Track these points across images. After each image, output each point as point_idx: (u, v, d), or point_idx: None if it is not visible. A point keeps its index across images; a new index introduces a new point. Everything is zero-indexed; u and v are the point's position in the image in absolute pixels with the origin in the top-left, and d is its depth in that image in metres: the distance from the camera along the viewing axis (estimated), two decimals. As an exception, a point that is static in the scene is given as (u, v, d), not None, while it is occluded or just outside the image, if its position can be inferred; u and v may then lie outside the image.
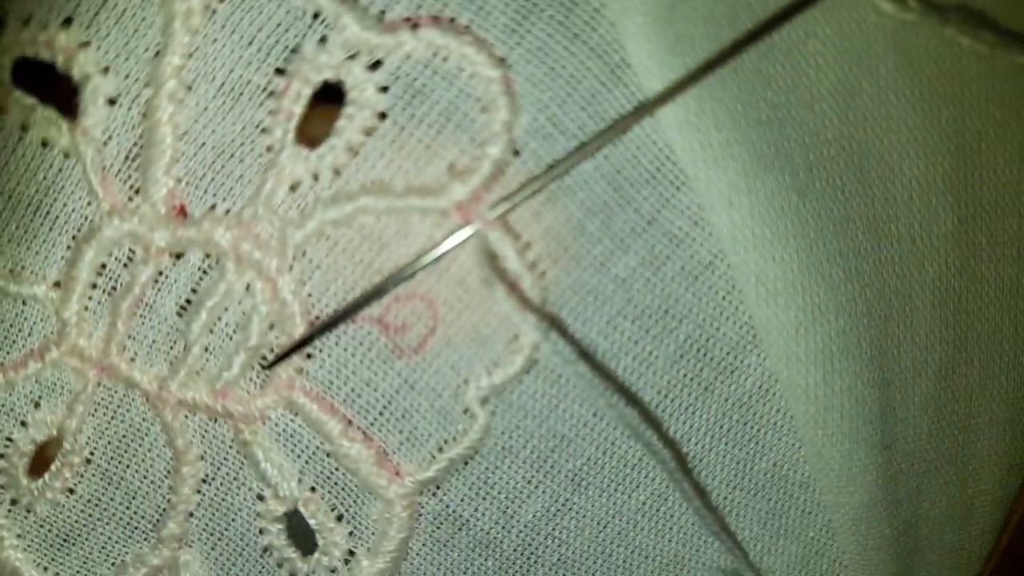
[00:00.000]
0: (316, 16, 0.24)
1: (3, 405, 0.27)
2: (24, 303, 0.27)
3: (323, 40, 0.24)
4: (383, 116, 0.25)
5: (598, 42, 0.24)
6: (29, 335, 0.27)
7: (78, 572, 0.28)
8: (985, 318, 0.30)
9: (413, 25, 0.24)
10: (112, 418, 0.27)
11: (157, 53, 0.25)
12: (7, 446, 0.28)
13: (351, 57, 0.24)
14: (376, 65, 0.24)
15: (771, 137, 0.25)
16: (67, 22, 0.25)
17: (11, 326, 0.27)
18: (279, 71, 0.25)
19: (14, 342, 0.27)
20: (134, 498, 0.28)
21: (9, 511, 0.28)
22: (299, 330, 0.26)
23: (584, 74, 0.25)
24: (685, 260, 0.26)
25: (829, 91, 0.26)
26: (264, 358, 0.27)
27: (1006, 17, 0.26)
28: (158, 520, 0.28)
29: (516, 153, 0.25)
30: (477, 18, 0.24)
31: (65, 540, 0.28)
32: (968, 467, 0.31)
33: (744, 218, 0.25)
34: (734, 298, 0.27)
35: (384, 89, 0.25)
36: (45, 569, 0.29)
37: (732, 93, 0.25)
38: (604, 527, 0.29)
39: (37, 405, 0.28)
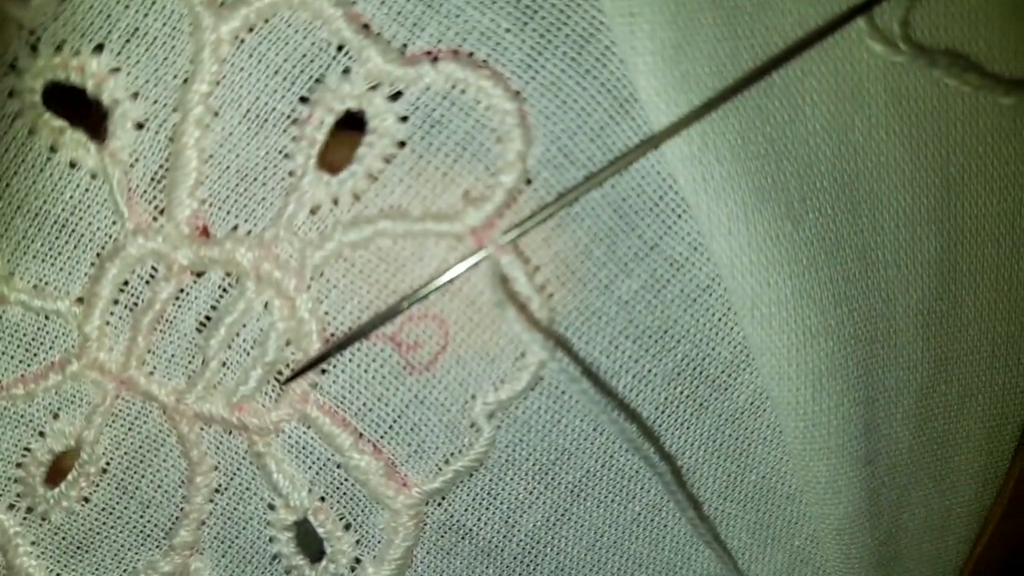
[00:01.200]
0: (340, 48, 0.27)
1: (23, 416, 0.30)
2: (47, 317, 0.29)
3: (347, 71, 0.27)
4: (402, 144, 0.28)
5: (608, 78, 0.28)
6: (50, 348, 0.29)
7: (89, 578, 0.31)
8: (964, 339, 0.33)
9: (433, 58, 0.27)
10: (129, 430, 0.30)
11: (185, 80, 0.27)
12: (25, 456, 0.30)
13: (373, 88, 0.27)
14: (397, 96, 0.27)
15: (768, 169, 0.29)
16: (99, 48, 0.27)
17: (32, 339, 0.29)
18: (303, 99, 0.28)
19: (35, 355, 0.29)
20: (148, 507, 0.31)
21: (24, 519, 0.31)
22: (315, 347, 0.29)
23: (594, 108, 0.28)
24: (684, 283, 0.29)
25: (823, 127, 0.29)
26: (280, 373, 0.29)
27: (989, 60, 0.30)
28: (170, 528, 0.31)
29: (528, 182, 0.28)
30: (495, 53, 0.27)
31: (79, 548, 0.31)
32: (946, 480, 0.35)
33: (742, 246, 0.28)
34: (729, 320, 0.30)
35: (404, 119, 0.28)
36: (57, 575, 0.31)
37: (733, 128, 0.28)
38: (601, 536, 0.32)
39: (56, 416, 0.30)
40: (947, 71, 0.29)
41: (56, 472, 0.30)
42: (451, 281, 0.27)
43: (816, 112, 0.29)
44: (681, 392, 0.30)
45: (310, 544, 0.31)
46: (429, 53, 0.27)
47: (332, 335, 0.28)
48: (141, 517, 0.31)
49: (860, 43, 0.29)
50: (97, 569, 0.31)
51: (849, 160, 0.30)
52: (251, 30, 0.27)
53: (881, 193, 0.30)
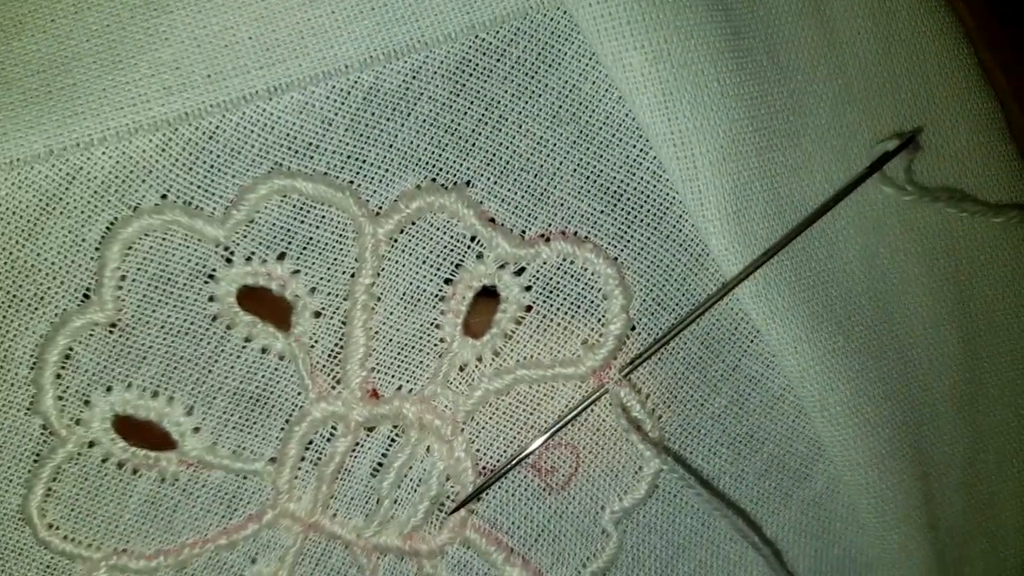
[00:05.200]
0: (474, 239, 0.38)
1: (224, 563, 0.39)
2: (245, 477, 0.39)
3: (480, 256, 0.38)
4: (529, 308, 0.38)
5: (684, 239, 0.38)
6: (248, 503, 0.39)
7: None
8: (994, 414, 0.44)
9: (546, 239, 0.38)
10: (316, 565, 0.39)
11: (352, 274, 0.38)
12: None
13: (502, 266, 0.38)
14: (521, 271, 0.38)
15: (819, 296, 0.39)
16: (281, 256, 0.38)
17: (233, 497, 0.39)
18: (447, 281, 0.38)
19: (235, 510, 0.39)
20: None
21: (226, 654, 0.39)
22: (471, 479, 0.39)
23: (676, 264, 0.38)
24: (763, 395, 0.40)
25: (855, 256, 0.40)
26: (443, 505, 0.39)
27: (979, 190, 0.41)
28: None
29: (633, 328, 0.38)
30: (593, 230, 0.38)
31: (272, 674, 0.40)
32: (997, 535, 0.44)
33: (807, 360, 0.39)
34: (802, 421, 0.40)
35: (528, 288, 0.38)
36: None
37: (787, 268, 0.39)
38: None
39: (254, 561, 0.39)
40: (946, 203, 0.40)
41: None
42: (580, 414, 0.37)
43: (848, 246, 0.40)
44: (770, 486, 0.40)
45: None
46: (543, 235, 0.38)
47: (484, 469, 0.38)
48: (326, 642, 0.39)
49: (876, 188, 0.40)
50: None
51: (879, 281, 0.40)
52: (403, 231, 0.37)
53: (908, 304, 0.41)
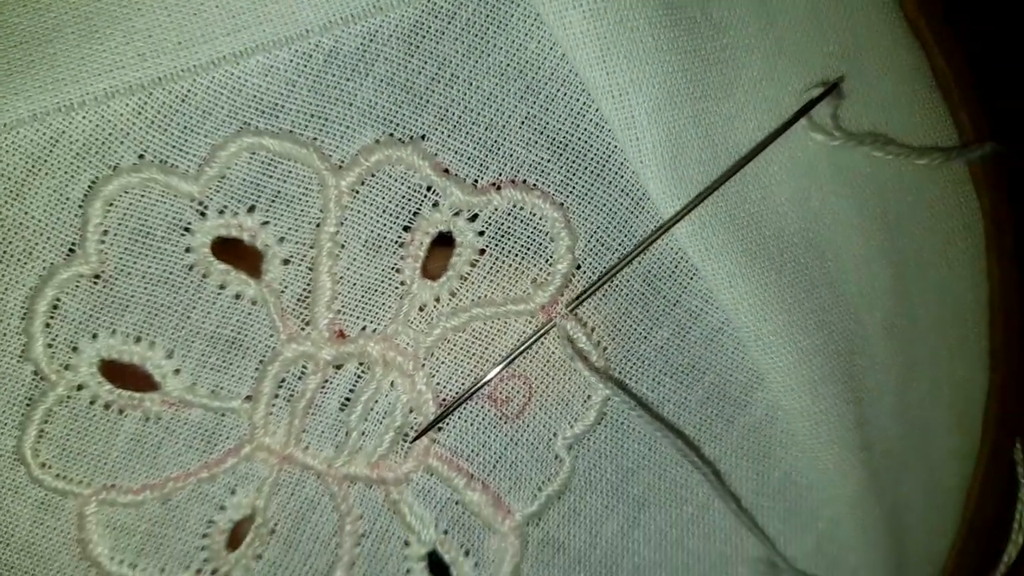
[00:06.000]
0: (429, 188, 0.41)
1: (206, 495, 0.43)
2: (223, 415, 0.42)
3: (436, 204, 0.42)
4: (482, 252, 0.42)
5: (625, 184, 0.42)
6: (226, 438, 0.43)
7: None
8: (925, 345, 0.47)
9: (497, 188, 0.42)
10: (291, 495, 0.43)
11: (318, 224, 0.42)
12: (209, 527, 0.43)
13: (456, 214, 0.42)
14: (474, 217, 0.42)
15: (752, 235, 0.43)
16: (251, 209, 0.42)
17: (212, 433, 0.43)
18: (406, 228, 0.42)
19: (215, 445, 0.43)
20: (308, 556, 0.43)
21: (211, 579, 0.43)
22: (432, 411, 0.42)
23: (618, 207, 0.42)
24: (703, 328, 0.43)
25: (788, 199, 0.44)
26: (406, 435, 0.43)
27: (903, 134, 0.45)
28: (327, 573, 0.44)
29: (578, 267, 0.42)
30: (541, 178, 0.42)
31: (254, 598, 0.43)
32: (931, 459, 0.48)
33: (741, 294, 0.42)
34: (741, 351, 0.44)
35: (481, 233, 0.42)
36: (238, 623, 0.43)
37: (722, 208, 0.42)
38: (664, 536, 0.45)
39: (233, 492, 0.43)
40: (872, 147, 0.44)
41: (233, 538, 0.43)
42: (530, 347, 0.41)
43: (780, 189, 0.43)
44: (712, 412, 0.44)
45: (439, 571, 0.44)
46: (494, 184, 0.41)
47: (444, 400, 0.42)
48: (303, 566, 0.43)
49: (805, 135, 0.44)
50: (269, 615, 0.43)
51: (811, 220, 0.44)
52: (363, 183, 0.41)
53: (839, 241, 0.44)
